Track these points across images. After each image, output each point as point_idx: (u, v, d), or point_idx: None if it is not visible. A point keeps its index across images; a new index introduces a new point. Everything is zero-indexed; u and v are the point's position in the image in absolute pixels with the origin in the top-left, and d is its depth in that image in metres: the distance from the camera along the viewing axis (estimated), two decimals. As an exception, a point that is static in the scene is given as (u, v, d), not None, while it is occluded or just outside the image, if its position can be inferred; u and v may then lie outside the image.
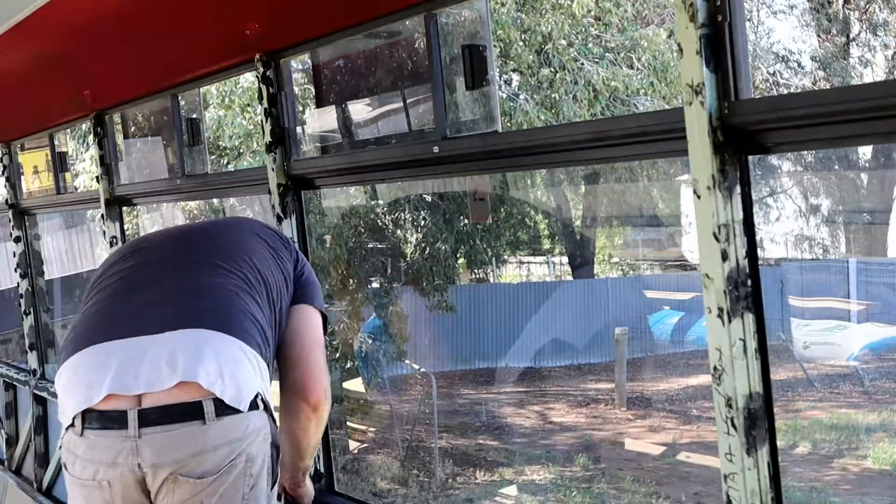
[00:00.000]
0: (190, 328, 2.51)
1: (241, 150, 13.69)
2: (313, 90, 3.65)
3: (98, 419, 2.41)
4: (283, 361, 2.82)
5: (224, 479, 2.42)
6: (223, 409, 2.41)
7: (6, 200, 6.87)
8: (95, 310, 2.69)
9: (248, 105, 13.30)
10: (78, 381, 2.48)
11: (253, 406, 2.47)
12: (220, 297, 2.62)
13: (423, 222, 15.69)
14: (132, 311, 2.61)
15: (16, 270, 6.91)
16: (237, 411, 2.43)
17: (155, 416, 2.38)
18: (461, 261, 17.39)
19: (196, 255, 2.79)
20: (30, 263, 6.92)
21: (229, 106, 13.50)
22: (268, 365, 2.63)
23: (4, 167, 6.77)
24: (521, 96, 13.46)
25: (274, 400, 2.67)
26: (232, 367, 2.46)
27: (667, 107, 12.11)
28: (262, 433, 2.51)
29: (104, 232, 5.42)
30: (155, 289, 2.68)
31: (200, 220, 3.14)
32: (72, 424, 2.46)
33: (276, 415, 2.65)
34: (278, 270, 2.84)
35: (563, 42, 13.24)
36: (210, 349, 2.46)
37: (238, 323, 2.57)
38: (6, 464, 7.28)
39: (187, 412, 2.39)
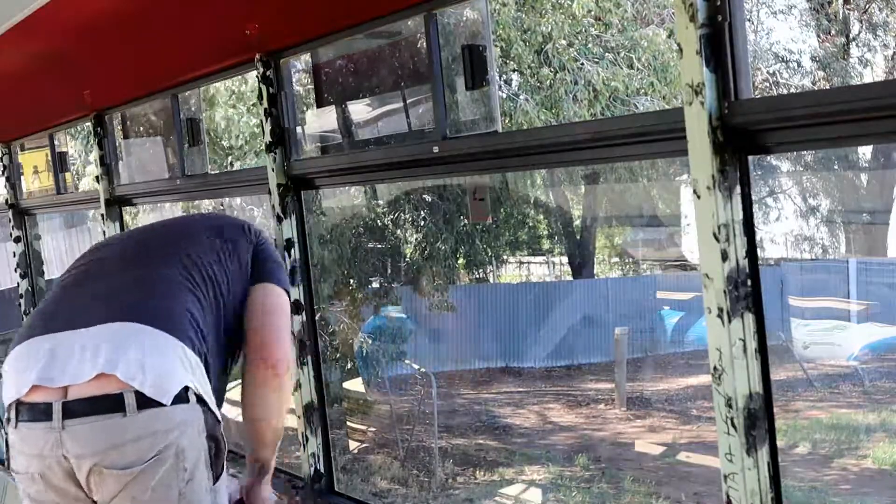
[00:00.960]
0: (119, 321, 2.54)
1: (245, 150, 13.70)
2: (313, 90, 3.65)
3: (28, 411, 2.46)
4: (245, 331, 2.82)
5: (152, 472, 2.43)
6: (145, 401, 2.42)
7: (6, 200, 6.87)
8: (42, 307, 2.76)
9: (255, 105, 13.31)
10: (12, 375, 2.53)
11: (180, 400, 2.47)
12: (157, 293, 2.66)
13: (422, 222, 15.70)
14: (71, 306, 2.67)
15: (16, 270, 6.91)
16: (160, 404, 2.43)
17: (78, 408, 2.41)
18: (461, 261, 17.40)
19: (143, 254, 2.83)
20: (30, 263, 6.92)
21: (234, 105, 13.51)
22: (205, 361, 2.62)
23: (4, 167, 6.77)
24: (521, 96, 13.46)
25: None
26: (155, 361, 2.47)
27: (667, 107, 12.11)
28: (196, 425, 2.50)
29: (104, 232, 5.42)
30: (97, 285, 2.73)
31: (162, 220, 3.12)
32: (9, 418, 2.51)
33: (216, 410, 2.62)
34: (234, 264, 2.85)
35: (563, 42, 13.23)
36: (134, 342, 2.48)
37: (170, 318, 2.58)
38: (6, 464, 7.27)
39: (109, 404, 2.41)
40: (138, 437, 2.41)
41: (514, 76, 13.70)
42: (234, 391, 2.93)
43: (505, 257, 20.63)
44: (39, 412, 2.43)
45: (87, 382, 2.42)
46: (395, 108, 3.28)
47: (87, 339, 2.50)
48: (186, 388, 2.49)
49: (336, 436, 13.97)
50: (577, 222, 19.90)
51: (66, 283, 2.80)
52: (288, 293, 2.96)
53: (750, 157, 2.11)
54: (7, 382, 2.54)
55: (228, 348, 2.80)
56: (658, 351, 17.41)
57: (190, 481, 2.48)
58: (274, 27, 3.47)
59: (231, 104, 13.55)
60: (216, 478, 2.58)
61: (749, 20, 16.32)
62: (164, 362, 2.49)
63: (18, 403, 2.47)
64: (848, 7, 16.99)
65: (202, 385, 2.56)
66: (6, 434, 2.57)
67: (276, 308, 2.88)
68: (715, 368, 2.13)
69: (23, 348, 2.57)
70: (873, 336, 15.77)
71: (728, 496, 2.15)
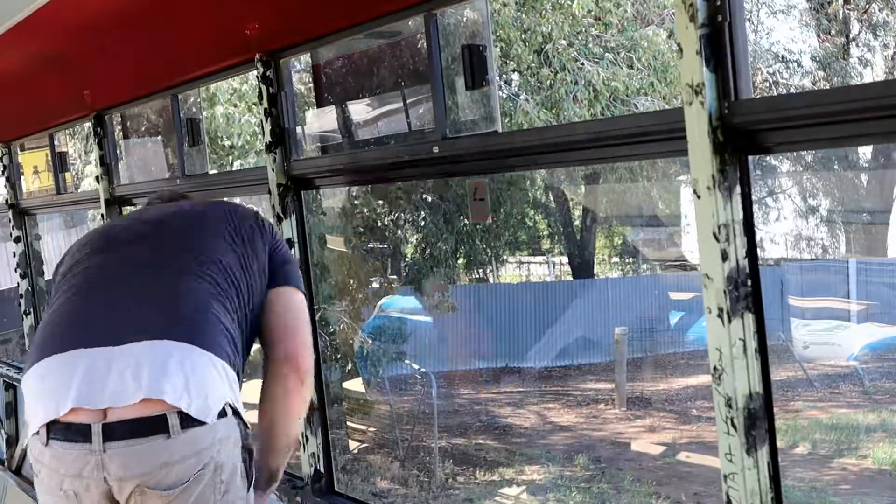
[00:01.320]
0: (158, 339, 2.46)
1: (246, 149, 13.71)
2: (313, 90, 3.66)
3: (63, 431, 2.38)
4: (269, 338, 2.77)
5: (192, 490, 2.40)
6: (189, 421, 2.38)
7: (6, 200, 6.87)
8: (62, 311, 2.64)
9: (255, 103, 13.31)
10: (45, 391, 2.45)
11: (220, 415, 2.44)
12: (190, 305, 2.57)
13: (422, 223, 15.70)
14: (100, 316, 2.56)
15: (16, 270, 6.91)
16: (203, 423, 2.40)
17: (120, 431, 2.35)
18: (461, 261, 17.40)
19: (165, 256, 2.72)
20: (30, 263, 6.92)
21: (236, 104, 13.52)
22: (238, 374, 2.59)
23: (4, 167, 6.77)
24: (521, 96, 13.46)
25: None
26: (199, 380, 2.42)
27: (667, 107, 12.11)
28: (232, 438, 2.48)
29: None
30: (123, 290, 2.62)
31: (169, 208, 2.81)
32: (36, 433, 2.43)
33: (247, 417, 2.61)
34: (251, 265, 2.77)
35: (563, 42, 13.24)
36: (176, 362, 2.42)
37: (207, 333, 2.52)
38: (6, 464, 7.27)
39: (152, 426, 2.36)
40: (184, 457, 2.38)
41: (514, 76, 13.71)
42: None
43: (505, 257, 20.64)
44: (76, 433, 2.36)
45: (130, 406, 2.36)
46: (394, 108, 3.28)
47: (124, 358, 2.41)
48: (225, 404, 2.47)
49: (336, 436, 13.98)
50: (577, 222, 19.91)
51: (81, 288, 2.67)
52: (304, 293, 2.91)
53: (750, 157, 2.10)
54: (35, 400, 2.46)
55: (246, 353, 2.75)
56: (658, 351, 17.42)
57: (225, 493, 2.46)
58: (274, 27, 3.47)
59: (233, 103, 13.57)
60: (249, 485, 2.57)
61: (749, 20, 16.33)
62: (206, 382, 2.43)
63: (51, 423, 2.39)
64: (848, 7, 17.00)
65: (238, 399, 2.53)
66: (30, 447, 2.50)
67: (301, 316, 2.83)
68: (715, 368, 2.13)
69: (49, 364, 2.47)
70: (873, 336, 15.78)
71: (728, 496, 2.15)
